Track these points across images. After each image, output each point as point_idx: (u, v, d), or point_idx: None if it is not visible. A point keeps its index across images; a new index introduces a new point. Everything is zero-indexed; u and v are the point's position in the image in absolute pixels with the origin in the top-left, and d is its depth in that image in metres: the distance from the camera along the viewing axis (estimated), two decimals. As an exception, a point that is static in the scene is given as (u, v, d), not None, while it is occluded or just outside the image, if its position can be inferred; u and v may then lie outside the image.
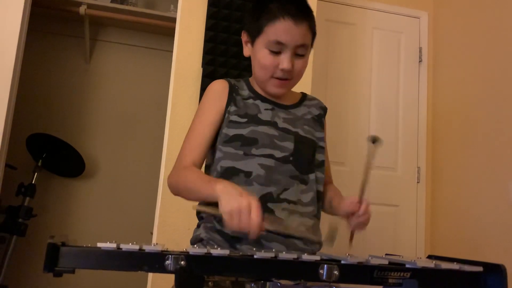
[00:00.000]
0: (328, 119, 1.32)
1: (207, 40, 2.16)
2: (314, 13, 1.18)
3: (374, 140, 1.04)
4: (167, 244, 0.76)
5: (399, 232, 2.88)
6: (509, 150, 2.35)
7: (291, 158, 1.14)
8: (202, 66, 2.15)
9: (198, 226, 1.20)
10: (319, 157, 1.21)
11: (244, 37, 1.20)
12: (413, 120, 3.00)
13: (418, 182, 2.95)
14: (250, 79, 1.25)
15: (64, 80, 3.04)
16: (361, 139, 2.90)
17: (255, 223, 0.88)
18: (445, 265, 0.81)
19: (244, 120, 1.15)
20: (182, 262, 0.71)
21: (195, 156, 1.13)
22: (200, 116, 1.19)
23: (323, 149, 1.23)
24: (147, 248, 0.72)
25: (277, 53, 1.11)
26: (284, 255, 0.76)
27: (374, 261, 0.78)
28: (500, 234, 2.33)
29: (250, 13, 1.19)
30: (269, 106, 1.19)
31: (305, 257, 0.77)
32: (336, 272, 0.74)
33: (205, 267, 0.73)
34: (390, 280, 0.76)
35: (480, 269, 0.82)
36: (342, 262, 0.77)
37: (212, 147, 1.19)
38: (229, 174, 1.11)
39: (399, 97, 3.01)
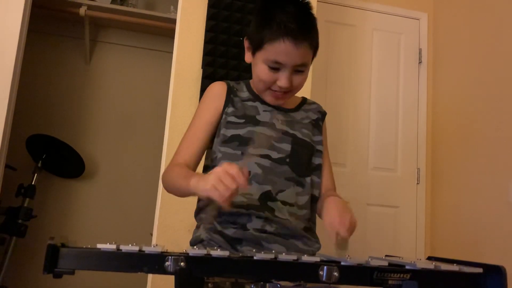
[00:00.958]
0: (328, 120, 1.32)
1: (207, 41, 2.16)
2: (314, 14, 1.17)
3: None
4: (167, 245, 0.76)
5: (399, 233, 2.87)
6: (509, 151, 2.35)
7: (287, 160, 1.15)
8: (202, 67, 2.15)
9: (198, 227, 1.20)
10: (316, 160, 1.21)
11: (246, 43, 1.19)
12: (413, 121, 3.00)
13: (418, 183, 2.95)
14: (251, 81, 1.26)
15: (64, 81, 3.04)
16: (361, 140, 2.91)
17: (236, 175, 0.88)
18: (445, 267, 0.81)
19: (242, 120, 1.16)
20: (182, 263, 0.71)
21: (189, 154, 1.15)
22: (197, 117, 1.21)
23: (320, 153, 1.23)
24: (146, 249, 0.72)
25: (276, 69, 1.11)
26: (284, 257, 0.76)
27: (374, 263, 0.78)
28: (500, 235, 2.33)
29: (253, 22, 1.18)
30: (268, 108, 1.20)
31: (305, 258, 0.77)
32: (336, 274, 0.74)
33: (205, 268, 0.73)
34: (390, 282, 0.76)
35: (480, 270, 0.82)
36: (342, 263, 0.77)
37: (209, 149, 1.20)
38: None
39: (399, 98, 3.02)
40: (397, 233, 2.87)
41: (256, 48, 1.14)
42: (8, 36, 2.13)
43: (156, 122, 2.99)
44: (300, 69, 1.12)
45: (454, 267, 0.81)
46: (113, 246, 0.72)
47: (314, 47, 1.14)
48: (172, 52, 2.19)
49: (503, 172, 2.37)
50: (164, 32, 2.95)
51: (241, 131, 1.14)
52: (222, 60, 2.15)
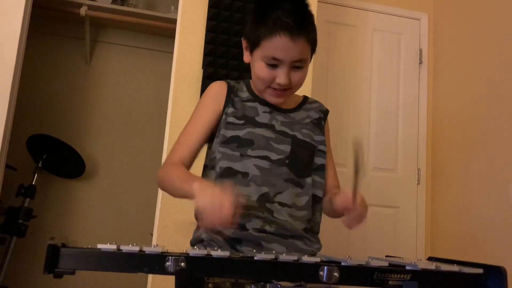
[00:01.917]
0: (328, 120, 1.31)
1: (208, 41, 2.16)
2: (314, 15, 1.17)
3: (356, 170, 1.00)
4: (167, 245, 0.76)
5: (399, 234, 2.87)
6: (509, 151, 2.35)
7: (286, 161, 1.14)
8: (203, 68, 2.15)
9: (198, 227, 1.20)
10: (318, 160, 1.20)
11: (244, 43, 1.19)
12: (413, 122, 3.00)
13: (418, 183, 2.95)
14: (251, 81, 1.25)
15: (65, 81, 3.04)
16: (361, 140, 2.90)
17: (224, 219, 0.88)
18: (445, 267, 0.81)
19: (241, 121, 1.15)
20: (182, 264, 0.71)
21: (185, 154, 1.15)
22: (195, 116, 1.21)
23: (323, 153, 1.22)
24: (147, 249, 0.72)
25: (274, 66, 1.10)
26: (284, 257, 0.76)
27: (374, 263, 0.78)
28: (501, 235, 2.33)
29: (249, 21, 1.17)
30: (267, 109, 1.19)
31: (305, 258, 0.77)
32: (336, 274, 0.74)
33: (205, 269, 0.73)
34: (390, 282, 0.76)
35: (480, 271, 0.82)
36: (342, 264, 0.77)
37: (209, 148, 1.20)
38: (227, 175, 1.12)
39: (399, 99, 3.02)
40: (397, 233, 2.87)
41: (253, 46, 1.13)
42: (8, 36, 2.13)
43: (157, 122, 2.99)
44: (298, 65, 1.11)
45: (455, 268, 0.81)
46: (113, 246, 0.72)
47: (311, 43, 1.13)
48: (172, 52, 2.19)
49: (503, 172, 2.37)
50: (164, 32, 2.95)
51: (240, 132, 1.14)
52: (222, 61, 2.16)
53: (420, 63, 3.07)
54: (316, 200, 1.18)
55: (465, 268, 0.81)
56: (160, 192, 2.07)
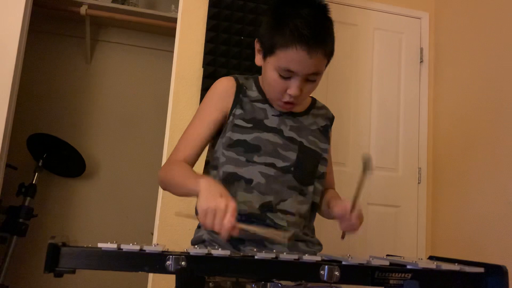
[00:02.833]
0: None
1: (208, 40, 2.16)
2: (331, 18, 1.11)
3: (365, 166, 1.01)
4: (168, 244, 0.76)
5: (400, 233, 2.87)
6: (510, 151, 2.35)
7: (292, 169, 1.12)
8: (203, 67, 2.15)
9: (199, 226, 1.19)
10: (321, 169, 1.19)
11: (257, 45, 1.13)
12: (414, 121, 3.00)
13: (419, 182, 2.95)
14: (260, 78, 1.21)
15: (65, 80, 3.04)
16: (362, 139, 2.90)
17: (226, 227, 0.86)
18: (446, 266, 0.81)
19: (250, 125, 1.12)
20: (182, 263, 0.71)
21: (188, 153, 1.12)
22: (200, 114, 1.17)
23: (325, 161, 1.21)
24: (147, 248, 0.72)
25: (287, 77, 1.06)
26: (285, 256, 0.76)
27: (375, 262, 0.77)
28: (501, 235, 2.33)
29: (266, 24, 1.11)
30: (277, 112, 1.16)
31: (306, 258, 0.77)
32: (337, 273, 0.74)
33: (206, 268, 0.73)
34: (391, 281, 0.76)
35: (481, 270, 0.82)
36: (343, 263, 0.77)
37: (213, 145, 1.18)
38: (231, 180, 1.10)
39: (400, 98, 3.01)
40: (398, 232, 2.87)
41: (267, 52, 1.08)
42: (9, 35, 2.13)
43: (157, 121, 2.99)
44: (312, 78, 1.08)
45: (455, 267, 0.81)
46: (114, 246, 0.72)
47: (328, 55, 1.08)
48: (173, 51, 2.19)
49: (504, 171, 2.37)
50: (165, 31, 2.95)
51: (247, 137, 1.11)
52: (223, 59, 2.15)
53: (421, 62, 3.07)
54: (313, 207, 1.18)
55: (466, 267, 0.81)
56: (160, 191, 2.07)
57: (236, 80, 1.18)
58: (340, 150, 2.80)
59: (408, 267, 0.79)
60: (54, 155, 2.82)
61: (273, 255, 0.76)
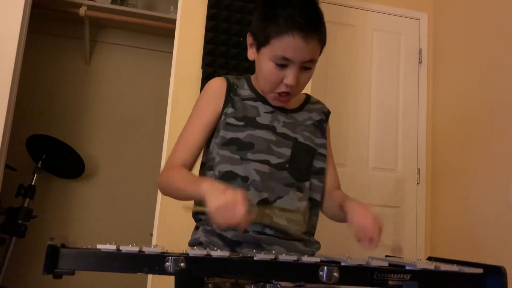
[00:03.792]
0: (329, 120, 1.29)
1: (207, 41, 2.16)
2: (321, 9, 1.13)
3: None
4: (167, 245, 0.76)
5: (399, 234, 2.87)
6: (509, 151, 2.35)
7: (287, 165, 1.12)
8: (202, 68, 2.15)
9: (196, 228, 1.19)
10: (317, 164, 1.18)
11: (249, 39, 1.14)
12: (413, 121, 3.00)
13: (418, 183, 2.95)
14: (252, 77, 1.21)
15: (64, 81, 3.04)
16: (361, 140, 2.91)
17: (241, 215, 0.86)
18: (445, 267, 0.81)
19: (242, 123, 1.12)
20: (182, 264, 0.71)
21: (186, 156, 1.12)
22: (195, 116, 1.17)
23: (323, 156, 1.20)
24: (146, 249, 0.72)
25: (282, 66, 1.06)
26: (284, 257, 0.76)
27: (374, 263, 0.78)
28: (500, 235, 2.33)
29: (257, 17, 1.12)
30: (269, 109, 1.16)
31: (305, 259, 0.77)
32: (336, 274, 0.74)
33: (205, 269, 0.73)
34: (390, 282, 0.76)
35: (480, 271, 0.82)
36: (342, 264, 0.77)
37: (208, 147, 1.18)
38: (227, 178, 1.10)
39: (399, 98, 3.02)
40: (397, 233, 2.87)
41: (261, 43, 1.08)
42: (8, 36, 2.13)
43: (156, 122, 2.98)
44: (307, 66, 1.08)
45: (454, 268, 0.81)
46: (113, 247, 0.72)
47: (322, 43, 1.09)
48: (172, 52, 2.19)
49: (503, 172, 2.37)
50: (164, 32, 2.95)
51: (240, 135, 1.11)
52: (222, 60, 2.15)
53: (420, 62, 3.07)
54: (313, 204, 1.17)
55: (465, 268, 0.81)
56: (159, 192, 2.07)
57: (227, 80, 1.18)
58: (339, 151, 2.80)
59: (407, 268, 0.79)
60: (54, 156, 2.82)
61: (272, 256, 0.76)
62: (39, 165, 2.77)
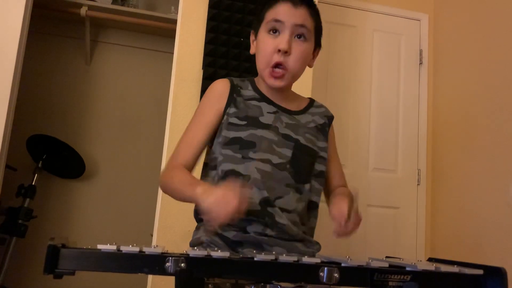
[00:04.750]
0: (332, 124, 1.30)
1: (208, 42, 2.16)
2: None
3: None
4: (167, 246, 0.76)
5: (399, 235, 2.87)
6: (509, 152, 2.35)
7: (287, 166, 1.12)
8: (203, 68, 2.15)
9: (198, 228, 1.19)
10: (318, 167, 1.19)
11: (251, 36, 1.21)
12: (413, 122, 3.00)
13: (418, 184, 2.95)
14: (256, 79, 1.23)
15: (65, 82, 3.04)
16: (361, 141, 2.91)
17: (233, 205, 0.88)
18: (445, 268, 0.81)
19: (244, 122, 1.13)
20: (182, 264, 0.71)
21: (187, 157, 1.13)
22: (197, 117, 1.18)
23: (324, 159, 1.20)
24: (147, 250, 0.72)
25: (275, 32, 1.12)
26: (284, 258, 0.76)
27: (374, 264, 0.77)
28: (501, 236, 2.33)
29: (257, 10, 1.22)
30: (272, 109, 1.17)
31: (306, 259, 0.77)
32: (336, 275, 0.74)
33: (205, 269, 0.73)
34: (391, 283, 0.76)
35: (480, 272, 0.82)
36: (343, 264, 0.77)
37: (211, 147, 1.18)
38: (229, 177, 1.11)
39: (399, 99, 3.02)
40: (397, 234, 2.87)
41: (258, 26, 1.16)
42: (9, 37, 2.13)
43: (157, 122, 2.99)
44: (300, 32, 1.12)
45: (455, 269, 0.81)
46: (113, 247, 0.72)
47: (314, 18, 1.16)
48: (172, 53, 2.19)
49: (503, 173, 2.37)
50: (164, 32, 2.95)
51: (242, 134, 1.12)
52: (222, 61, 2.15)
53: (420, 63, 3.07)
54: (312, 206, 1.18)
55: (465, 269, 0.81)
56: (160, 192, 2.07)
57: (231, 81, 1.20)
58: (339, 152, 2.79)
59: (408, 269, 0.79)
60: (54, 156, 2.82)
61: (272, 257, 0.76)
62: (39, 165, 2.77)
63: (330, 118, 1.28)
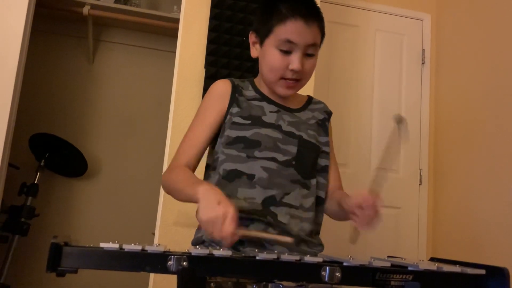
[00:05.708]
0: (331, 121, 1.31)
1: (210, 41, 2.16)
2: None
3: (399, 120, 1.02)
4: (169, 244, 0.76)
5: (401, 234, 2.87)
6: (511, 152, 2.35)
7: (293, 162, 1.13)
8: (205, 67, 2.15)
9: (199, 227, 1.19)
10: (321, 162, 1.20)
11: (252, 38, 1.18)
12: (415, 122, 3.00)
13: (420, 184, 2.95)
14: (256, 79, 1.24)
15: (67, 80, 3.04)
16: (363, 140, 2.90)
17: (227, 233, 0.88)
18: (447, 268, 0.81)
19: (248, 122, 1.14)
20: (184, 263, 0.71)
21: (189, 156, 1.13)
22: (200, 117, 1.18)
23: (326, 154, 1.22)
24: (149, 248, 0.72)
25: (287, 52, 1.10)
26: (286, 257, 0.76)
27: (376, 263, 0.78)
28: (503, 236, 2.33)
29: (259, 14, 1.18)
30: (274, 108, 1.18)
31: (307, 258, 0.77)
32: (338, 274, 0.74)
33: (207, 268, 0.73)
34: (392, 283, 0.76)
35: (482, 272, 0.82)
36: (344, 264, 0.77)
37: (212, 148, 1.19)
38: (232, 177, 1.11)
39: (401, 99, 3.01)
40: (399, 234, 2.87)
41: (264, 35, 1.13)
42: (11, 35, 2.13)
43: (159, 121, 2.99)
44: (310, 52, 1.12)
45: (457, 269, 0.81)
46: (115, 245, 0.72)
47: (322, 30, 1.14)
48: (175, 52, 2.19)
49: (505, 173, 2.36)
50: (167, 31, 2.95)
51: (247, 133, 1.12)
52: (224, 60, 2.16)
53: (423, 63, 3.07)
54: (319, 202, 1.18)
55: (467, 269, 0.81)
56: (162, 191, 2.07)
57: (232, 81, 1.20)
58: (341, 151, 2.80)
59: (410, 268, 0.79)
60: (56, 155, 2.82)
61: (274, 256, 0.76)
62: (42, 163, 2.78)
63: (329, 113, 1.30)
